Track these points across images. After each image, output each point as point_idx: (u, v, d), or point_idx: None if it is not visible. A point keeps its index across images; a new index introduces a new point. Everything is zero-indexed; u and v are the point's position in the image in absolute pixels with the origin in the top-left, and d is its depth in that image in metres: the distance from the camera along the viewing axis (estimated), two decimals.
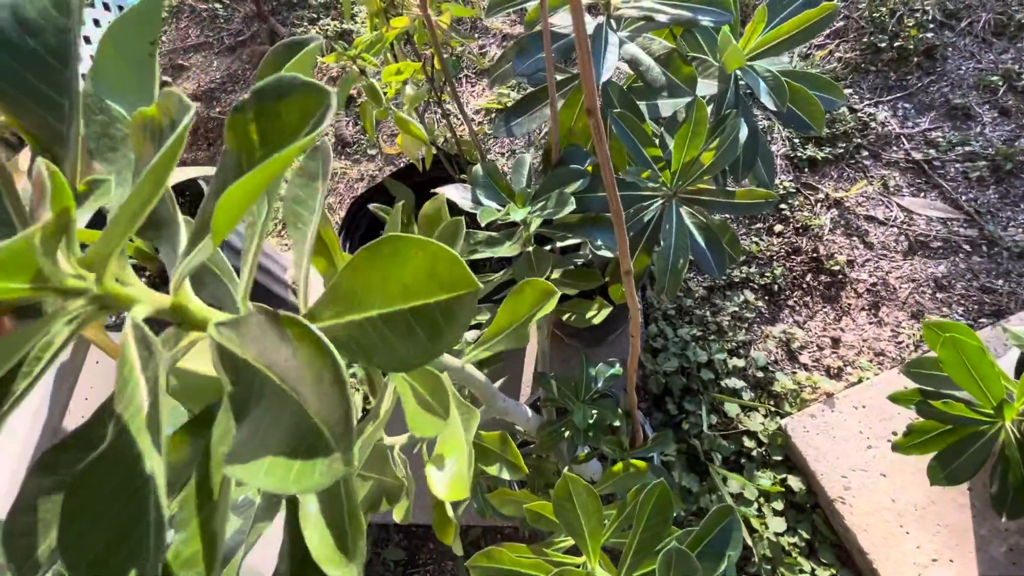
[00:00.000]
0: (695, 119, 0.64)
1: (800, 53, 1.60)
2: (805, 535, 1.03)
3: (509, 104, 1.77)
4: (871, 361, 1.18)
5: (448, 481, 0.44)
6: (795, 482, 1.06)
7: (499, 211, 0.65)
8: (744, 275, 1.31)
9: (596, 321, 0.69)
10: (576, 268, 0.70)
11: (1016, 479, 0.64)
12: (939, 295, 1.21)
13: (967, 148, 1.35)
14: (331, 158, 0.33)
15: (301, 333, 0.19)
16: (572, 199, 0.61)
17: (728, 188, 0.66)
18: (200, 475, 0.24)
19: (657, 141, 0.66)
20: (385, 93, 0.77)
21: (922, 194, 1.34)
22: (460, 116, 1.67)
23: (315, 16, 2.17)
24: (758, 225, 1.39)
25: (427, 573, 1.22)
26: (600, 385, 0.77)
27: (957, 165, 1.34)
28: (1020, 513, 0.66)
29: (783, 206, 1.39)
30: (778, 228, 1.37)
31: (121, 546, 0.19)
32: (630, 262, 0.44)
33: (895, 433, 1.03)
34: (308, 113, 0.20)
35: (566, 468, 0.79)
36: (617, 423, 0.71)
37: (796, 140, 1.47)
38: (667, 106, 0.73)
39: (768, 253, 1.34)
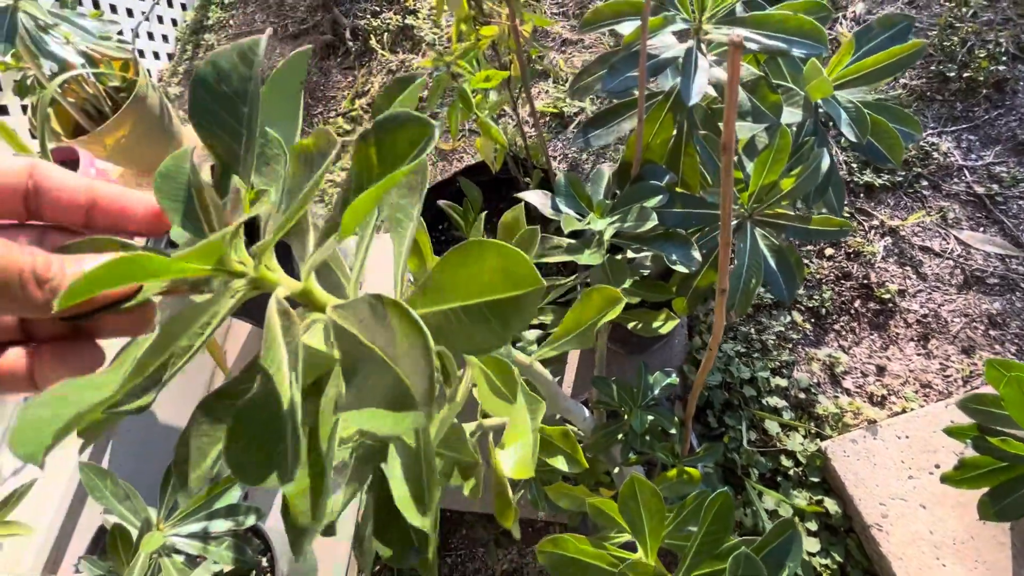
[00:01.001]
0: (778, 146, 0.66)
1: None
2: (838, 558, 1.04)
3: (565, 108, 1.80)
4: (916, 392, 1.18)
5: (515, 462, 0.48)
6: (831, 505, 1.07)
7: (580, 220, 0.68)
8: None
9: (663, 331, 0.72)
10: (647, 279, 0.73)
11: None
12: (992, 332, 1.20)
13: None
14: (428, 174, 0.37)
15: (401, 314, 0.23)
16: (654, 215, 0.64)
17: (803, 214, 0.68)
18: (312, 427, 0.29)
19: (736, 163, 0.68)
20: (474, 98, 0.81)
21: (982, 229, 1.33)
22: (528, 120, 1.71)
23: (377, 9, 2.23)
24: (809, 247, 1.39)
25: (459, 557, 1.27)
26: (656, 393, 0.80)
27: (1021, 202, 1.32)
28: None
29: None
30: (829, 252, 1.37)
31: (268, 459, 0.24)
32: (727, 280, 0.47)
33: (938, 466, 1.04)
34: (415, 141, 0.24)
35: (616, 469, 0.82)
36: (672, 431, 0.74)
37: (854, 165, 1.46)
38: (745, 129, 0.75)
39: (818, 276, 1.35)
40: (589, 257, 0.64)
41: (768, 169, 0.67)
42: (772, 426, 1.15)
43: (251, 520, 0.85)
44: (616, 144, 1.64)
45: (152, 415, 1.28)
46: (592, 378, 0.82)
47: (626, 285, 0.74)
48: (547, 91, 1.86)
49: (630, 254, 0.73)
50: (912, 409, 1.13)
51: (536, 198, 0.74)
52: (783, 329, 1.28)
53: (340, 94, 2.15)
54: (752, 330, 1.29)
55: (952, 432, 0.73)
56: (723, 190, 0.38)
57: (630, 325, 0.75)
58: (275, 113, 0.33)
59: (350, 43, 2.22)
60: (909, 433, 1.07)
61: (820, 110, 0.75)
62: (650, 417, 0.75)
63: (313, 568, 1.13)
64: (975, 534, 0.97)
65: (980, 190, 1.36)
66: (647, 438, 0.73)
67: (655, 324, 0.73)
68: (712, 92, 0.72)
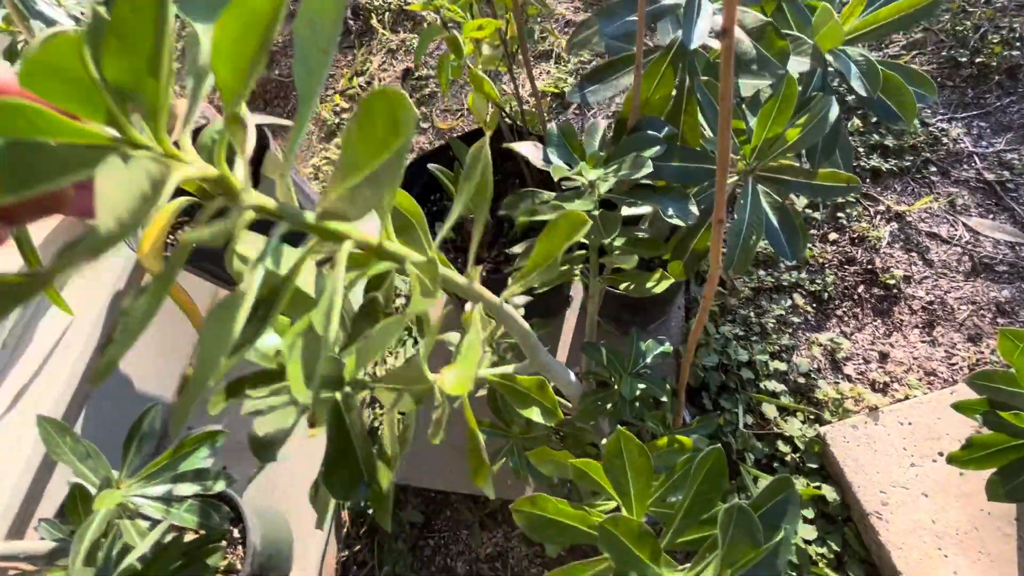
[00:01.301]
0: (783, 95, 0.62)
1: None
2: (835, 547, 1.00)
3: (566, 88, 1.76)
4: (920, 380, 1.14)
5: (455, 377, 0.44)
6: (829, 492, 1.03)
7: (570, 170, 0.65)
8: (794, 280, 1.28)
9: (657, 291, 0.68)
10: (640, 237, 0.69)
11: None
12: (1000, 320, 1.16)
13: None
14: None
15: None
16: (649, 162, 0.60)
17: (808, 169, 0.64)
18: None
19: (740, 114, 0.64)
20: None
21: (991, 216, 1.28)
22: (526, 86, 1.67)
23: None
24: (812, 231, 1.35)
25: (442, 539, 1.23)
26: (648, 361, 0.76)
27: None
28: None
29: (840, 215, 1.35)
30: (833, 236, 1.33)
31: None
32: (723, 211, 0.43)
33: (941, 454, 0.99)
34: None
35: (603, 440, 0.78)
36: (664, 399, 0.70)
37: (861, 150, 1.42)
38: (748, 87, 0.71)
39: (821, 260, 1.31)
40: (578, 205, 0.60)
41: (773, 121, 0.64)
42: (770, 410, 1.11)
43: (220, 485, 0.81)
44: (616, 106, 1.61)
45: (125, 380, 1.24)
46: (582, 344, 0.78)
47: (619, 242, 0.70)
48: (548, 71, 1.82)
49: (625, 211, 0.69)
50: (915, 396, 1.09)
51: (527, 149, 0.70)
52: (783, 313, 1.24)
53: (339, 72, 2.12)
54: (751, 313, 1.25)
55: (961, 407, 0.69)
56: (720, 141, 0.34)
57: (622, 287, 0.71)
58: None
59: (351, 22, 2.19)
60: (912, 420, 1.03)
61: (831, 67, 0.71)
62: (641, 385, 0.71)
63: (288, 542, 1.09)
64: (979, 525, 0.93)
65: (990, 177, 1.31)
66: (637, 405, 0.69)
67: (648, 284, 0.69)
68: (715, 44, 0.68)
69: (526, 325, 0.55)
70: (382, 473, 0.43)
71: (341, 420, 0.42)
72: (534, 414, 0.53)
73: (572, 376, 0.70)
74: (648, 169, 0.60)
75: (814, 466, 1.06)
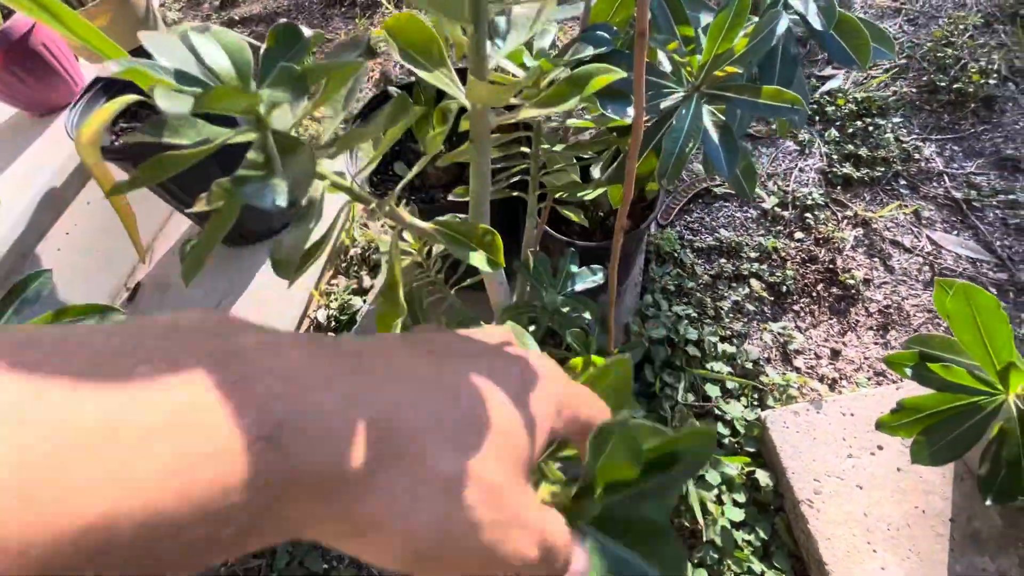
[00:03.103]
0: (735, 9, 0.60)
1: (855, 80, 1.57)
2: (763, 535, 0.94)
3: None
4: (869, 379, 1.11)
5: None
6: (763, 477, 0.98)
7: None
8: (754, 270, 1.25)
9: (589, 197, 0.65)
10: (579, 142, 0.66)
11: (1011, 455, 0.57)
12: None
13: (1011, 197, 1.29)
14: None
15: None
16: (590, 48, 0.58)
17: (753, 86, 0.62)
18: None
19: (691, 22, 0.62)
20: None
21: (955, 232, 1.28)
22: None
23: None
24: (779, 228, 1.34)
25: None
26: (576, 286, 0.72)
27: (998, 211, 1.28)
28: (1007, 496, 0.58)
29: (807, 216, 1.34)
30: (798, 235, 1.32)
31: None
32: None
33: (880, 447, 0.95)
34: None
35: None
36: (587, 316, 0.66)
37: (834, 157, 1.43)
38: (699, 19, 0.70)
39: (783, 255, 1.29)
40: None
41: (724, 36, 0.62)
42: (713, 390, 1.07)
43: None
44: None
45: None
46: (514, 262, 0.74)
47: (558, 148, 0.67)
48: None
49: (569, 122, 0.66)
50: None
51: None
52: (740, 299, 1.21)
53: (336, 39, 2.12)
54: (708, 297, 1.22)
55: (891, 361, 0.66)
56: (635, 78, 0.32)
57: (556, 194, 0.68)
58: None
59: None
60: (855, 411, 0.99)
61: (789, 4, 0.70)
62: (562, 298, 0.67)
63: None
64: (912, 522, 0.88)
65: (958, 195, 1.32)
66: (556, 316, 0.64)
67: (581, 192, 0.65)
68: None
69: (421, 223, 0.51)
70: None
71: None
72: (478, 260, 0.48)
73: (505, 284, 0.66)
74: (590, 51, 0.57)
75: (751, 450, 1.01)
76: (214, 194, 0.34)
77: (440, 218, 0.54)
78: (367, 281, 1.39)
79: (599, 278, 0.73)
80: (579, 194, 0.66)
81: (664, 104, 0.65)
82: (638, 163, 0.69)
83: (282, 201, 0.35)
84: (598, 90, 0.63)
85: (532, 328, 0.71)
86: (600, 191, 0.65)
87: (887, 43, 0.73)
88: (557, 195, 0.68)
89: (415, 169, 0.54)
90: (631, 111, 0.61)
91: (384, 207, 0.51)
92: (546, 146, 0.69)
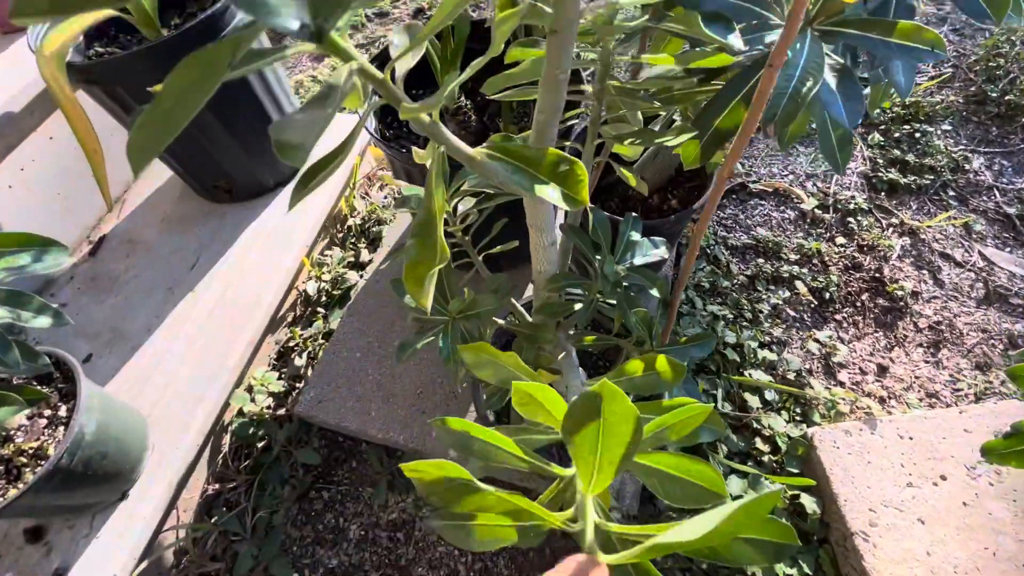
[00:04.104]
0: None
1: None
2: (806, 569, 0.82)
3: None
4: (921, 400, 1.00)
5: None
6: (809, 503, 0.86)
7: None
8: (795, 273, 1.15)
9: (672, 143, 0.52)
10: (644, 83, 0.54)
11: None
12: (1011, 352, 1.04)
13: None
14: None
15: None
16: None
17: (885, 20, 0.50)
18: None
19: None
20: None
21: (1008, 249, 1.19)
22: None
23: None
24: (819, 231, 1.24)
25: (339, 492, 1.00)
26: (636, 259, 0.59)
27: None
28: None
29: (849, 220, 1.24)
30: (840, 240, 1.22)
31: None
32: (784, 55, 0.28)
33: (943, 478, 0.84)
34: None
35: (562, 355, 0.60)
36: (656, 293, 0.53)
37: (879, 161, 1.33)
38: None
39: (826, 259, 1.18)
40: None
41: None
42: (753, 400, 0.95)
43: (42, 321, 0.59)
44: None
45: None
46: (561, 224, 0.61)
47: (617, 86, 0.54)
48: None
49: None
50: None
51: None
52: (780, 303, 1.10)
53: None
54: (744, 298, 1.11)
55: (1015, 374, 0.54)
56: None
57: (627, 141, 0.55)
58: None
59: None
60: (914, 434, 0.88)
61: None
62: (623, 270, 0.54)
63: (136, 450, 0.85)
64: (981, 566, 0.77)
65: (1011, 211, 1.23)
66: (620, 289, 0.51)
67: (658, 139, 0.53)
68: None
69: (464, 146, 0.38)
70: None
71: None
72: (550, 195, 0.35)
73: (557, 250, 0.52)
74: None
75: (795, 471, 0.89)
76: None
77: (496, 137, 0.41)
78: (365, 255, 1.25)
79: (662, 252, 0.60)
80: (658, 140, 0.53)
81: (769, 38, 0.53)
82: (723, 116, 0.57)
83: (298, 21, 0.21)
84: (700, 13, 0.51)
85: (578, 307, 0.58)
86: (685, 139, 0.53)
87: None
88: (628, 141, 0.56)
89: (468, 72, 0.40)
90: (734, 40, 0.49)
91: (425, 117, 0.38)
92: (616, 82, 0.56)
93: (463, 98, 0.97)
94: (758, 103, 0.38)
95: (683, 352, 0.56)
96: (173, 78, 0.25)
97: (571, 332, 0.66)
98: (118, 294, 1.09)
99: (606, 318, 0.65)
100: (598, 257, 0.58)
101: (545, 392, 0.38)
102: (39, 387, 0.75)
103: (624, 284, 0.54)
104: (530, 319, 0.66)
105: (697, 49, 0.60)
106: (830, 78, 0.52)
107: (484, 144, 0.41)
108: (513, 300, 0.65)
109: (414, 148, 0.46)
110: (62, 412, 0.74)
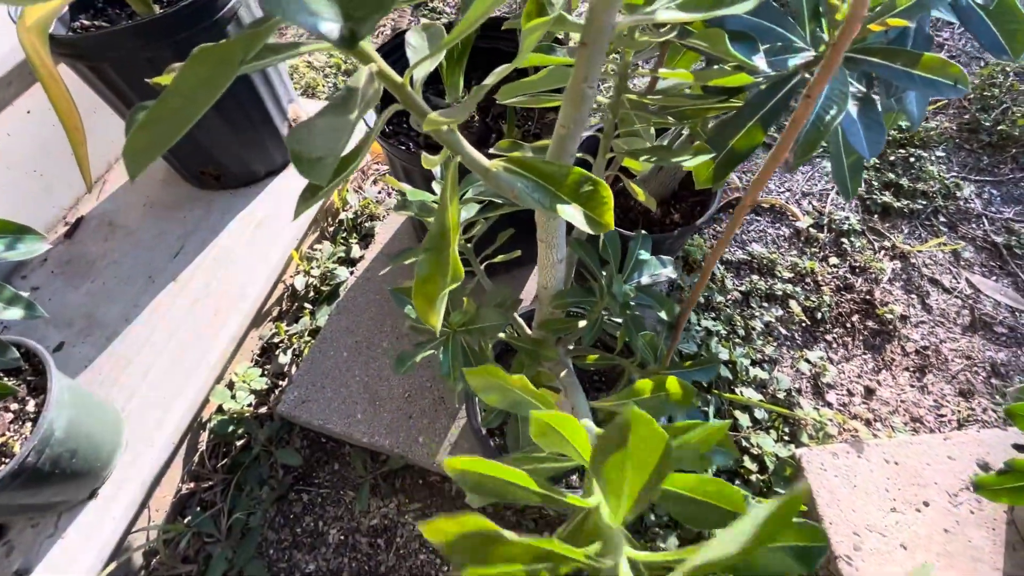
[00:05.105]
0: None
1: None
2: None
3: None
4: (906, 424, 1.01)
5: None
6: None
7: None
8: (789, 291, 1.15)
9: (690, 166, 0.51)
10: (659, 98, 0.52)
11: None
12: (994, 381, 1.06)
13: None
14: None
15: None
16: None
17: (908, 51, 0.49)
18: None
19: None
20: None
21: (994, 277, 1.21)
22: None
23: None
24: (813, 250, 1.24)
25: (319, 495, 0.98)
26: (643, 278, 0.58)
27: None
28: None
29: (843, 240, 1.25)
30: (833, 260, 1.23)
31: None
32: (823, 85, 0.26)
33: (926, 504, 0.85)
34: None
35: (564, 373, 0.58)
36: (664, 315, 0.52)
37: (874, 183, 1.34)
38: None
39: (819, 279, 1.19)
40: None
41: None
42: (743, 418, 0.95)
43: (14, 313, 0.56)
44: None
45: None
46: (568, 239, 0.59)
47: (631, 99, 0.53)
48: None
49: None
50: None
51: None
52: (772, 320, 1.10)
53: None
54: (738, 315, 1.11)
55: (1013, 412, 0.54)
56: None
57: (642, 157, 0.54)
58: None
59: None
60: (899, 459, 0.89)
61: None
62: (630, 290, 0.52)
63: (109, 447, 0.81)
64: None
65: (998, 239, 1.25)
66: (629, 311, 0.50)
67: (675, 158, 0.51)
68: None
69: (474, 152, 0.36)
70: None
71: None
72: (573, 216, 0.33)
73: (564, 251, 0.51)
74: None
75: (782, 491, 0.89)
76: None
77: (516, 154, 0.39)
78: (356, 251, 1.22)
79: (670, 271, 0.59)
80: (674, 159, 0.52)
81: (793, 61, 0.52)
82: (739, 136, 0.55)
83: (333, 25, 0.20)
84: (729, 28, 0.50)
85: (582, 324, 0.57)
86: (702, 159, 0.51)
87: None
88: (644, 158, 0.54)
89: (492, 79, 0.39)
90: (759, 61, 0.48)
91: (443, 126, 0.36)
92: (633, 96, 0.55)
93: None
94: (791, 132, 0.37)
95: (687, 376, 0.55)
96: (183, 73, 0.23)
97: (570, 347, 0.64)
98: (95, 280, 1.04)
99: (607, 335, 0.64)
100: (603, 272, 0.56)
101: (566, 422, 0.36)
102: (6, 380, 0.71)
103: (633, 305, 0.52)
104: (529, 332, 0.65)
105: (715, 67, 0.58)
106: (852, 107, 0.51)
107: (506, 157, 0.39)
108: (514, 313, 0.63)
109: (423, 154, 0.44)
110: (30, 407, 0.70)
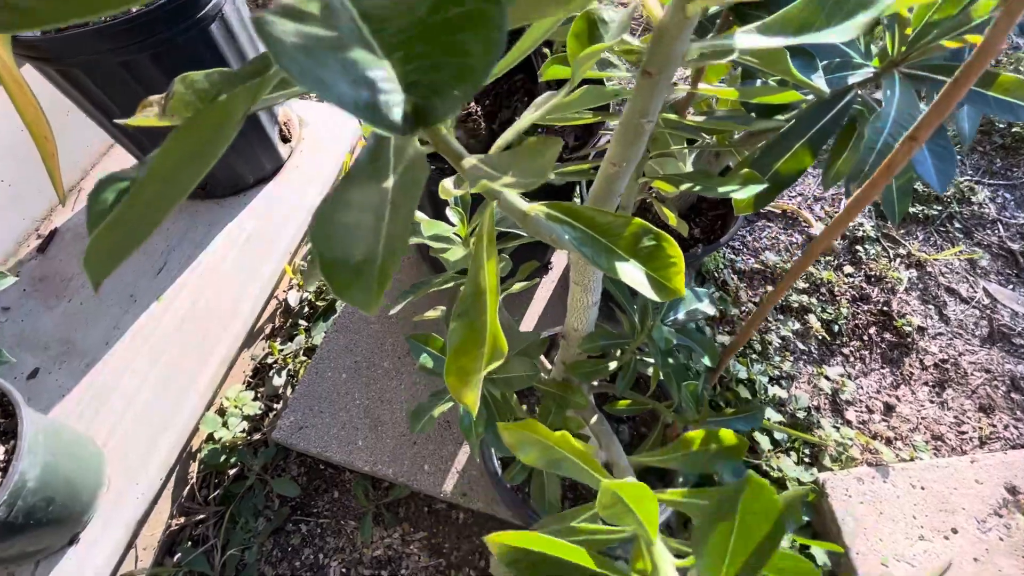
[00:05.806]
0: None
1: None
2: None
3: None
4: (927, 443, 0.98)
5: None
6: (819, 554, 0.83)
7: None
8: (805, 304, 1.11)
9: (738, 196, 0.46)
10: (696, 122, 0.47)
11: None
12: (1014, 396, 1.03)
13: None
14: None
15: None
16: None
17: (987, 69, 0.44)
18: None
19: None
20: None
21: (1011, 286, 1.18)
22: None
23: None
24: (828, 258, 1.20)
25: (319, 526, 0.92)
26: (679, 315, 0.53)
27: None
28: None
29: (858, 248, 1.21)
30: (848, 269, 1.19)
31: None
32: (933, 127, 0.21)
33: (955, 531, 0.82)
34: None
35: (595, 419, 0.53)
36: (707, 362, 0.47)
37: None
38: None
39: (834, 289, 1.15)
40: None
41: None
42: (764, 441, 0.91)
43: None
44: None
45: None
46: None
47: (670, 117, 0.47)
48: None
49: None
50: (920, 459, 0.93)
51: None
52: (789, 335, 1.06)
53: None
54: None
55: None
56: None
57: (683, 187, 0.48)
58: None
59: None
60: (925, 484, 0.86)
61: None
62: (671, 335, 0.47)
63: (90, 489, 0.75)
64: None
65: (1014, 246, 1.22)
66: (671, 360, 0.45)
67: (723, 188, 0.46)
68: None
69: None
70: None
71: None
72: (629, 275, 0.28)
73: (599, 294, 0.45)
74: None
75: (804, 518, 0.86)
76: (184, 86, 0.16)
77: (566, 203, 0.34)
78: None
79: (706, 306, 0.54)
80: (721, 189, 0.46)
81: (853, 79, 0.47)
82: (785, 159, 0.50)
83: (398, 106, 0.14)
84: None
85: (613, 366, 0.52)
86: (754, 191, 0.46)
87: None
88: (683, 187, 0.49)
89: (537, 114, 0.33)
90: (818, 80, 0.42)
91: (479, 172, 0.30)
92: (673, 116, 0.49)
93: (473, 103, 0.88)
94: (884, 174, 0.32)
95: (728, 424, 0.50)
96: (170, 146, 0.17)
97: (595, 384, 0.59)
98: (71, 299, 0.97)
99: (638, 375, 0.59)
100: (635, 307, 0.51)
101: (636, 491, 0.31)
102: None
103: (672, 351, 0.47)
104: (550, 367, 0.60)
105: (758, 83, 0.53)
106: None
107: (552, 203, 0.34)
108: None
109: (441, 183, 0.38)
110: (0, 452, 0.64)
